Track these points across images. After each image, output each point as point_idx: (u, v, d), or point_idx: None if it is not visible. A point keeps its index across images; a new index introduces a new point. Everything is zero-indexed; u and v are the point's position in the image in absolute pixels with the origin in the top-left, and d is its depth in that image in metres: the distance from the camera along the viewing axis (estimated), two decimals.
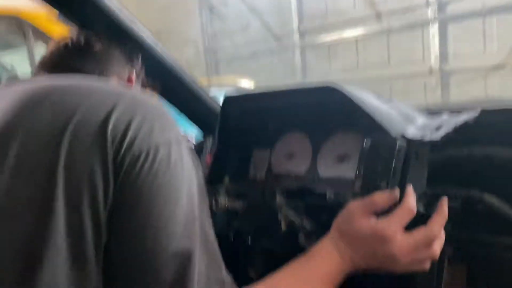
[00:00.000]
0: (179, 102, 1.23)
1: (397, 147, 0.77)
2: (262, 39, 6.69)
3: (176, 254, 0.52)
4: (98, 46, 0.80)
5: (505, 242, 0.91)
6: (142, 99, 0.58)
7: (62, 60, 0.76)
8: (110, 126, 0.52)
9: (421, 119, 0.94)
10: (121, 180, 0.50)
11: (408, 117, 0.92)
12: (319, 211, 0.91)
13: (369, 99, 0.89)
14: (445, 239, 0.78)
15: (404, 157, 0.78)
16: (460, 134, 0.83)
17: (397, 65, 5.44)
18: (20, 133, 0.51)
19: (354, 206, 0.72)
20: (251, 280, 0.80)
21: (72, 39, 0.80)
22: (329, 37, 6.23)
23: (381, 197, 0.71)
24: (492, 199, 0.91)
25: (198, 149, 1.23)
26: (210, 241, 0.58)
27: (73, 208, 0.48)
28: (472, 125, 0.96)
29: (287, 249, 0.92)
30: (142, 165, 0.51)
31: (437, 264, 0.81)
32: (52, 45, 0.79)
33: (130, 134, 0.52)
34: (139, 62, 0.87)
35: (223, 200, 0.85)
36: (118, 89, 0.60)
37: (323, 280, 0.69)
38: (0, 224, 0.47)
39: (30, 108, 0.53)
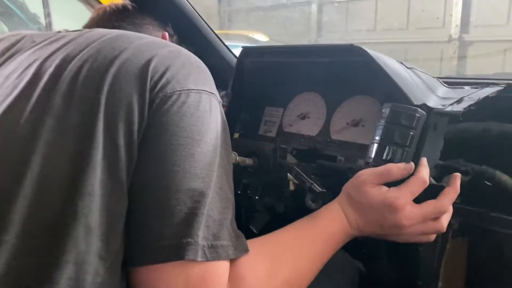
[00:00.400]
0: (195, 52, 1.20)
1: (417, 115, 0.75)
2: None
3: (188, 192, 0.54)
4: (133, 11, 0.89)
5: (509, 219, 0.91)
6: (183, 51, 0.64)
7: (102, 24, 0.84)
8: (152, 66, 0.57)
9: (442, 90, 0.91)
10: (153, 113, 0.55)
11: (430, 87, 0.90)
12: (328, 175, 0.91)
13: (392, 64, 0.87)
14: (452, 215, 0.78)
15: (423, 127, 0.76)
16: (479, 108, 0.82)
17: (416, 30, 5.29)
18: (73, 66, 0.56)
19: (367, 173, 0.72)
20: (252, 236, 0.81)
21: (110, 6, 0.88)
22: None
23: (396, 169, 0.70)
24: (504, 177, 0.90)
25: None
26: (226, 191, 0.59)
27: (110, 132, 0.53)
28: (491, 99, 0.94)
29: (292, 209, 0.93)
30: (172, 104, 0.56)
31: (442, 236, 0.82)
32: (92, 13, 0.90)
33: (167, 75, 0.57)
34: (170, 27, 0.94)
35: (234, 156, 0.85)
36: (163, 41, 0.66)
37: (327, 239, 0.70)
38: (54, 140, 0.52)
39: (88, 48, 0.59)
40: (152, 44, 0.62)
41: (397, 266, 0.90)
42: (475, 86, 0.91)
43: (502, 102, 0.94)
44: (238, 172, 0.91)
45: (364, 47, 0.86)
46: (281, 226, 0.71)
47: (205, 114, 0.59)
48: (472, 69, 5.11)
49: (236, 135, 1.13)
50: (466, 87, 0.92)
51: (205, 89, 0.60)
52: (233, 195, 0.61)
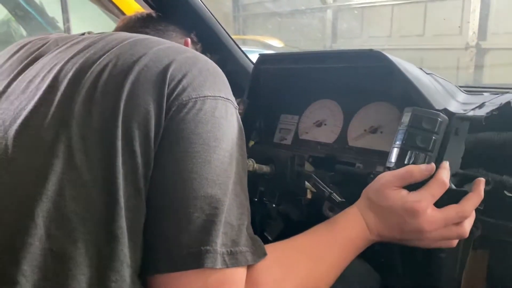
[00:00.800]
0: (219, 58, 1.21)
1: (439, 120, 0.74)
2: None
3: (205, 199, 0.54)
4: (157, 18, 0.90)
5: None
6: (201, 57, 0.64)
7: (127, 31, 0.84)
8: (169, 73, 0.57)
9: (462, 96, 0.90)
10: (169, 121, 0.55)
11: (450, 92, 0.88)
12: (347, 183, 0.90)
13: (412, 69, 0.86)
14: (474, 222, 0.76)
15: (445, 131, 0.75)
16: (501, 116, 0.80)
17: (432, 37, 5.24)
18: (93, 71, 0.57)
19: (388, 176, 0.70)
20: (267, 243, 0.80)
21: (135, 14, 0.91)
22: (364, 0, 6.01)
23: (418, 170, 0.69)
24: None
25: None
26: (242, 197, 0.59)
27: (128, 139, 0.53)
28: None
29: (308, 218, 0.92)
30: (188, 111, 0.56)
31: (463, 246, 0.80)
32: (118, 22, 0.92)
33: (183, 82, 0.57)
34: (194, 34, 0.95)
35: (251, 163, 0.84)
36: (182, 46, 0.66)
37: (345, 244, 0.68)
38: (76, 145, 0.52)
39: (112, 50, 0.60)
40: (171, 49, 0.62)
41: (417, 275, 0.88)
42: (495, 92, 0.90)
43: None
44: (255, 179, 0.91)
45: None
46: (296, 234, 0.70)
47: (221, 120, 0.59)
48: (489, 78, 5.04)
49: (251, 143, 1.12)
50: (486, 94, 0.91)
51: (221, 96, 0.60)
52: (248, 201, 0.61)
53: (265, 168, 0.87)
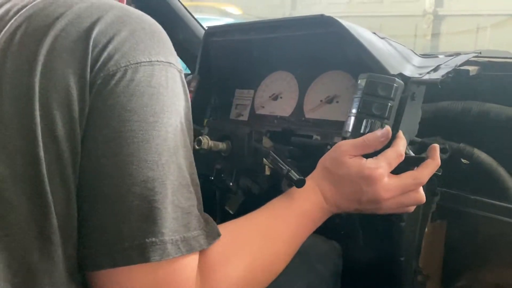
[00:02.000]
0: (161, 25, 1.13)
1: (395, 85, 0.72)
2: None
3: (146, 184, 0.47)
4: None
5: (487, 202, 0.90)
6: (134, 14, 0.52)
7: None
8: (93, 37, 0.47)
9: (417, 59, 0.88)
10: (94, 97, 0.46)
11: (405, 56, 0.86)
12: (305, 156, 0.87)
13: (366, 34, 0.83)
14: (431, 194, 0.76)
15: (400, 97, 0.73)
16: (457, 82, 0.79)
17: (391, 4, 5.27)
18: (3, 36, 0.47)
19: (346, 144, 0.68)
20: (229, 218, 0.77)
21: None
22: None
23: (373, 137, 0.67)
24: (482, 155, 0.89)
25: None
26: (190, 174, 0.53)
27: (48, 123, 0.45)
28: (470, 79, 0.91)
29: (268, 193, 0.89)
30: (117, 84, 0.47)
31: (422, 213, 0.80)
32: None
33: (110, 48, 0.47)
34: None
35: (206, 140, 0.80)
36: (110, 1, 0.53)
37: (302, 218, 0.66)
38: None
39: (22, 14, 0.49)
40: (95, 7, 0.50)
41: (378, 245, 0.88)
42: (450, 54, 0.89)
43: (480, 82, 0.92)
44: (211, 156, 0.86)
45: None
46: (257, 207, 0.67)
47: (160, 90, 0.49)
48: (446, 45, 5.15)
49: (205, 121, 1.07)
50: (441, 56, 0.89)
51: (159, 59, 0.50)
52: (196, 175, 0.54)
53: (221, 145, 0.82)
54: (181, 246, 0.48)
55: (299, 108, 0.97)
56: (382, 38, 0.87)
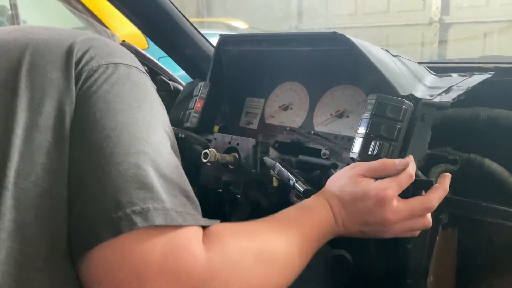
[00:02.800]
0: (168, 43, 1.14)
1: (404, 107, 0.72)
2: None
3: (139, 156, 0.48)
4: None
5: (499, 209, 0.89)
6: (102, 36, 0.60)
7: None
8: (74, 46, 0.53)
9: (429, 78, 0.88)
10: (80, 88, 0.50)
11: (416, 75, 0.86)
12: (312, 167, 0.87)
13: (378, 52, 0.83)
14: (440, 210, 0.76)
15: (410, 118, 0.73)
16: (466, 94, 0.79)
17: (396, 13, 5.27)
18: None
19: (362, 165, 0.69)
20: None
21: None
22: None
23: (391, 164, 0.68)
24: (493, 165, 0.88)
25: (188, 93, 1.16)
26: (178, 161, 0.54)
27: (32, 111, 0.48)
28: (479, 85, 0.91)
29: (276, 205, 0.89)
30: (100, 76, 0.52)
31: (430, 232, 0.80)
32: None
33: (90, 52, 0.53)
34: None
35: (213, 153, 0.80)
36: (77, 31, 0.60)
37: (308, 234, 0.64)
38: None
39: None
40: (68, 31, 0.58)
41: (385, 263, 0.87)
42: (463, 74, 0.88)
43: (489, 87, 0.92)
44: (218, 169, 0.87)
45: (346, 33, 0.82)
46: None
47: (139, 84, 0.55)
48: (453, 52, 5.13)
49: (216, 128, 1.08)
50: (454, 75, 0.89)
51: (134, 65, 0.56)
52: (178, 165, 0.54)
53: (228, 158, 0.83)
54: (184, 216, 0.47)
55: (308, 120, 0.97)
56: (394, 56, 0.87)
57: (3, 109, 0.47)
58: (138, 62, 0.59)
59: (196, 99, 1.06)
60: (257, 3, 6.55)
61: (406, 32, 5.22)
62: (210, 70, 1.07)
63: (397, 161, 0.69)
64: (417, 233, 0.72)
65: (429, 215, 0.69)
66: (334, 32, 0.83)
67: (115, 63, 0.54)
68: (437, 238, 0.89)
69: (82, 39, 0.55)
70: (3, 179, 0.45)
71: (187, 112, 1.06)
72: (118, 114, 0.50)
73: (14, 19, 2.08)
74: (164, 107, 0.59)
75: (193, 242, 0.48)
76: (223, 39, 1.03)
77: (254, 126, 1.07)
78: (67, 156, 0.48)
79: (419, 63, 0.95)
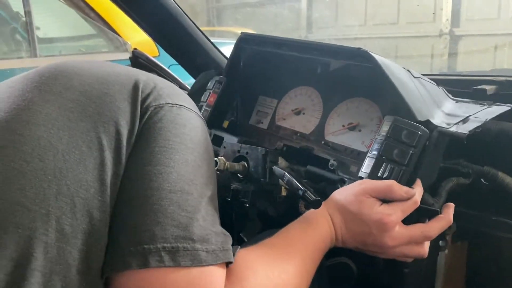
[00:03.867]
0: (179, 51, 1.15)
1: (419, 133, 0.72)
2: None
3: (182, 195, 0.52)
4: None
5: (509, 222, 0.88)
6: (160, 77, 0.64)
7: None
8: (140, 81, 0.58)
9: (448, 104, 0.87)
10: (146, 121, 0.55)
11: (435, 99, 0.86)
12: (320, 179, 0.87)
13: (399, 73, 0.83)
14: (436, 248, 0.76)
15: (423, 145, 0.73)
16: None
17: (406, 25, 5.27)
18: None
19: (366, 184, 0.70)
20: (242, 241, 0.75)
21: None
22: None
23: (398, 189, 0.69)
24: (507, 178, 0.87)
25: (202, 85, 1.15)
26: (215, 204, 0.58)
27: (96, 133, 0.52)
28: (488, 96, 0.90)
29: (284, 215, 0.89)
30: (165, 114, 0.56)
31: (429, 257, 0.79)
32: None
33: (157, 89, 0.58)
34: None
35: (222, 161, 0.80)
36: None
37: (313, 253, 0.67)
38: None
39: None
40: (128, 68, 0.63)
41: (387, 276, 0.86)
42: (482, 103, 0.88)
43: (499, 100, 0.91)
44: (227, 177, 0.87)
45: (356, 44, 0.82)
46: (273, 227, 0.68)
47: (197, 128, 0.59)
48: (463, 65, 5.11)
49: (226, 123, 1.08)
50: (472, 103, 0.88)
51: (194, 110, 0.61)
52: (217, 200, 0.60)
53: (237, 166, 0.83)
54: (211, 255, 0.51)
55: (320, 128, 0.97)
56: (415, 77, 0.86)
57: (69, 124, 0.51)
58: (197, 108, 0.64)
59: (209, 93, 1.06)
60: (267, 13, 6.60)
61: (416, 44, 5.22)
62: (228, 65, 1.07)
63: (405, 189, 0.69)
64: (411, 260, 0.72)
65: (426, 244, 0.70)
66: (359, 48, 0.83)
67: (180, 105, 0.59)
68: (446, 251, 0.88)
69: (147, 76, 0.60)
70: (62, 188, 0.48)
71: (199, 105, 1.06)
72: (174, 152, 0.54)
73: (28, 25, 2.11)
74: (212, 149, 0.63)
75: (215, 284, 0.51)
76: (244, 37, 1.03)
77: (264, 126, 1.07)
78: (120, 179, 0.52)
79: (428, 75, 0.95)
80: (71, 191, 0.48)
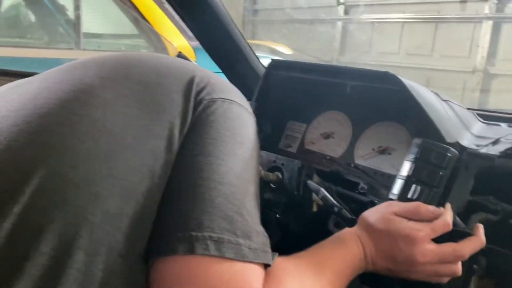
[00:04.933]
0: (224, 57, 1.18)
1: (448, 155, 0.72)
2: (304, 6, 6.50)
3: (230, 187, 0.52)
4: None
5: None
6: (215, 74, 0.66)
7: None
8: (195, 75, 0.60)
9: (477, 126, 0.87)
10: (198, 113, 0.56)
11: (464, 122, 0.86)
12: (350, 200, 0.87)
13: (427, 95, 0.83)
14: (476, 255, 0.74)
15: (453, 166, 0.73)
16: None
17: (440, 58, 5.24)
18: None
19: (394, 205, 0.70)
20: None
21: None
22: (375, 15, 5.99)
23: (425, 210, 0.68)
24: None
25: None
26: (258, 201, 0.58)
27: (151, 120, 0.53)
28: None
29: (312, 230, 0.89)
30: (218, 107, 0.57)
31: (462, 280, 0.78)
32: None
33: (211, 84, 0.60)
34: None
35: (259, 168, 0.81)
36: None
37: (341, 273, 0.66)
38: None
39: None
40: (187, 63, 0.65)
41: None
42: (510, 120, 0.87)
43: None
44: (260, 186, 0.88)
45: (389, 69, 0.83)
46: (294, 246, 0.67)
47: (247, 123, 0.61)
48: (496, 103, 5.03)
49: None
50: (503, 125, 0.88)
51: (245, 106, 0.63)
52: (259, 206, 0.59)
53: (272, 176, 0.84)
54: (253, 253, 0.50)
55: (349, 152, 0.98)
56: (444, 100, 0.87)
57: (125, 110, 0.53)
58: (248, 104, 0.65)
59: None
60: (303, 31, 6.65)
61: (448, 77, 5.17)
62: (258, 90, 1.10)
63: (432, 208, 0.69)
64: (445, 279, 0.71)
65: (459, 263, 0.69)
66: (387, 72, 0.84)
67: (231, 100, 0.60)
68: (472, 286, 0.87)
69: (203, 72, 0.62)
70: (112, 170, 0.49)
71: None
72: (223, 145, 0.55)
73: (76, 19, 2.17)
74: (259, 147, 0.64)
75: (255, 282, 0.50)
76: (274, 63, 1.06)
77: (294, 149, 1.08)
78: (171, 167, 0.53)
79: (470, 110, 0.95)
80: (120, 175, 0.49)
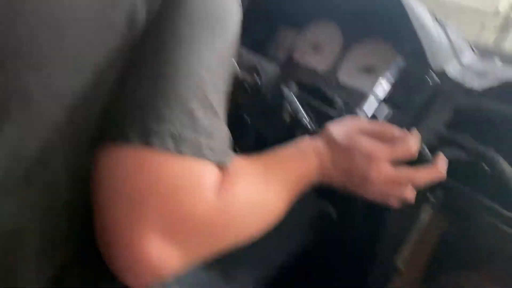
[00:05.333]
0: None
1: (428, 80, 0.69)
2: None
3: (194, 80, 0.47)
4: None
5: (498, 209, 0.87)
6: None
7: None
8: None
9: (468, 56, 0.83)
10: None
11: (455, 49, 0.81)
12: (324, 116, 0.85)
13: (422, 16, 0.78)
14: (433, 190, 0.74)
15: (431, 95, 0.70)
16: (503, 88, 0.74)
17: None
18: None
19: (361, 122, 0.68)
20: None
21: None
22: None
23: (390, 131, 0.66)
24: (507, 167, 0.85)
25: None
26: (225, 105, 0.52)
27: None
28: None
29: (281, 141, 0.89)
30: None
31: (413, 206, 0.77)
32: None
33: None
34: None
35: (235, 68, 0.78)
36: None
37: (297, 183, 0.65)
38: None
39: None
40: None
41: (365, 228, 0.87)
42: (508, 63, 0.83)
43: None
44: (235, 87, 0.85)
45: None
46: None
47: (232, 10, 0.52)
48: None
49: (242, 52, 1.05)
50: (497, 61, 0.83)
51: None
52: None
53: (249, 77, 0.81)
54: (212, 152, 0.47)
55: (335, 67, 0.94)
56: (440, 24, 0.81)
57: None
58: None
59: None
60: None
61: (465, 17, 4.95)
62: None
63: (398, 130, 0.67)
64: (394, 203, 0.70)
65: (412, 189, 0.68)
66: None
67: None
68: (423, 217, 0.88)
69: None
70: (59, 40, 0.44)
71: None
72: (200, 32, 0.48)
73: None
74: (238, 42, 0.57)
75: (208, 179, 0.47)
76: None
77: (281, 57, 1.04)
78: (133, 48, 0.47)
79: (467, 40, 0.89)
80: (67, 45, 0.44)
